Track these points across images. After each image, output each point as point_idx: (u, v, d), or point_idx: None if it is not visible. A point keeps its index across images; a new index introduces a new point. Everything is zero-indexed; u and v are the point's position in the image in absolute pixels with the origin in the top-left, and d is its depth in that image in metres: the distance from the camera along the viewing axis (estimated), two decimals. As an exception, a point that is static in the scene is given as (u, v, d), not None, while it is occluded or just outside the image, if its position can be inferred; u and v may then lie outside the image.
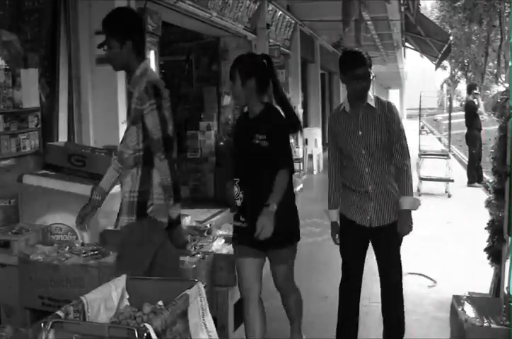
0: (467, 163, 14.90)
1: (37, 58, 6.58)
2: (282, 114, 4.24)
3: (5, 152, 6.00)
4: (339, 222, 4.58)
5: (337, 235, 4.59)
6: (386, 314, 4.66)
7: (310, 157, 16.19)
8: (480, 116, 13.93)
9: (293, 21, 15.12)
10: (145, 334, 2.52)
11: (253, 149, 4.15)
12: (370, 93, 4.40)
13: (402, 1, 13.84)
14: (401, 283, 4.63)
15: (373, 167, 4.35)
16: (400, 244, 4.59)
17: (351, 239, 4.54)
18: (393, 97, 53.46)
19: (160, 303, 3.09)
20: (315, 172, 16.31)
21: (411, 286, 6.49)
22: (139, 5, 7.42)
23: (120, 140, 4.11)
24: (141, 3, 7.42)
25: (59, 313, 2.71)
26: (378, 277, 4.63)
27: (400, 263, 4.61)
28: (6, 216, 5.35)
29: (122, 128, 6.97)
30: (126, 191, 3.84)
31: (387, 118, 4.33)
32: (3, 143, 5.98)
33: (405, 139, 4.40)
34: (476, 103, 13.84)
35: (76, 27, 6.89)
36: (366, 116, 4.34)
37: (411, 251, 7.91)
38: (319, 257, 7.62)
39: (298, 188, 12.44)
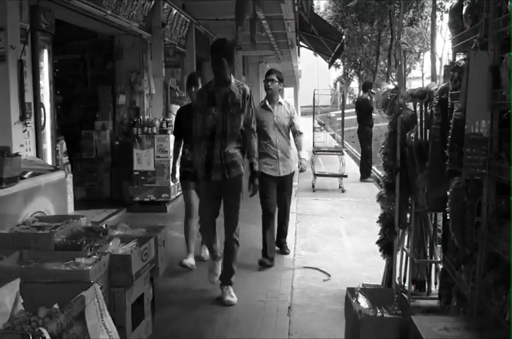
0: (359, 159, 15.26)
1: None
2: None
3: None
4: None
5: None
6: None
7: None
8: (373, 113, 14.36)
9: (188, 20, 15.07)
10: (40, 338, 2.49)
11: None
12: (279, 96, 7.57)
13: (296, 1, 14.03)
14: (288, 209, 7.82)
15: (280, 139, 7.39)
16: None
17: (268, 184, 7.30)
18: (288, 94, 54.00)
19: (56, 306, 3.06)
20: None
21: (306, 280, 6.65)
22: (32, 2, 7.25)
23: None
24: (34, 1, 7.26)
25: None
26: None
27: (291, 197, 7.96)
28: None
29: (15, 128, 6.83)
30: (235, 153, 5.90)
31: (290, 111, 7.54)
32: None
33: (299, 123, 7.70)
34: (372, 101, 14.24)
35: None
36: (278, 109, 7.44)
37: (306, 245, 8.12)
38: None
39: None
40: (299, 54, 29.66)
